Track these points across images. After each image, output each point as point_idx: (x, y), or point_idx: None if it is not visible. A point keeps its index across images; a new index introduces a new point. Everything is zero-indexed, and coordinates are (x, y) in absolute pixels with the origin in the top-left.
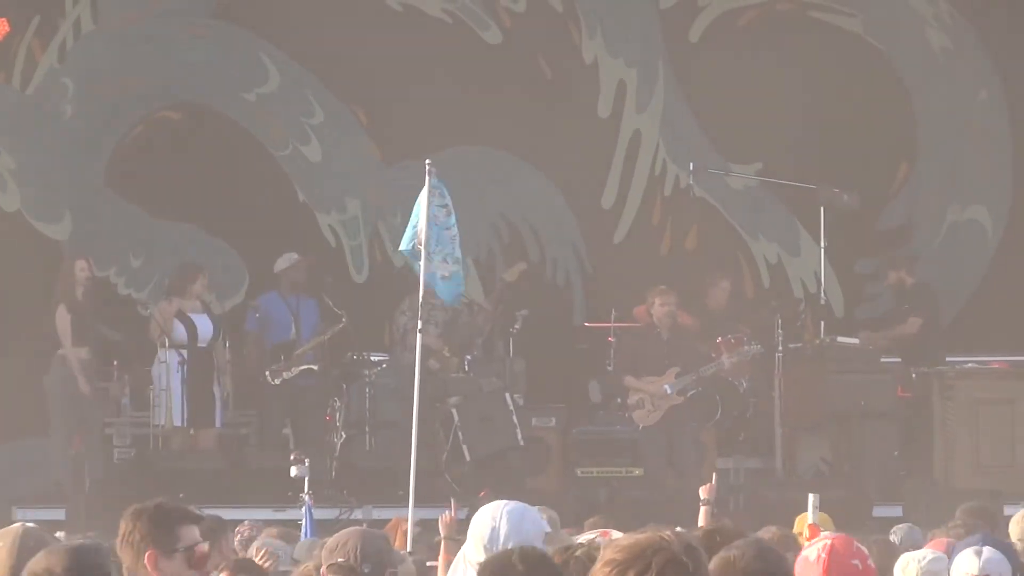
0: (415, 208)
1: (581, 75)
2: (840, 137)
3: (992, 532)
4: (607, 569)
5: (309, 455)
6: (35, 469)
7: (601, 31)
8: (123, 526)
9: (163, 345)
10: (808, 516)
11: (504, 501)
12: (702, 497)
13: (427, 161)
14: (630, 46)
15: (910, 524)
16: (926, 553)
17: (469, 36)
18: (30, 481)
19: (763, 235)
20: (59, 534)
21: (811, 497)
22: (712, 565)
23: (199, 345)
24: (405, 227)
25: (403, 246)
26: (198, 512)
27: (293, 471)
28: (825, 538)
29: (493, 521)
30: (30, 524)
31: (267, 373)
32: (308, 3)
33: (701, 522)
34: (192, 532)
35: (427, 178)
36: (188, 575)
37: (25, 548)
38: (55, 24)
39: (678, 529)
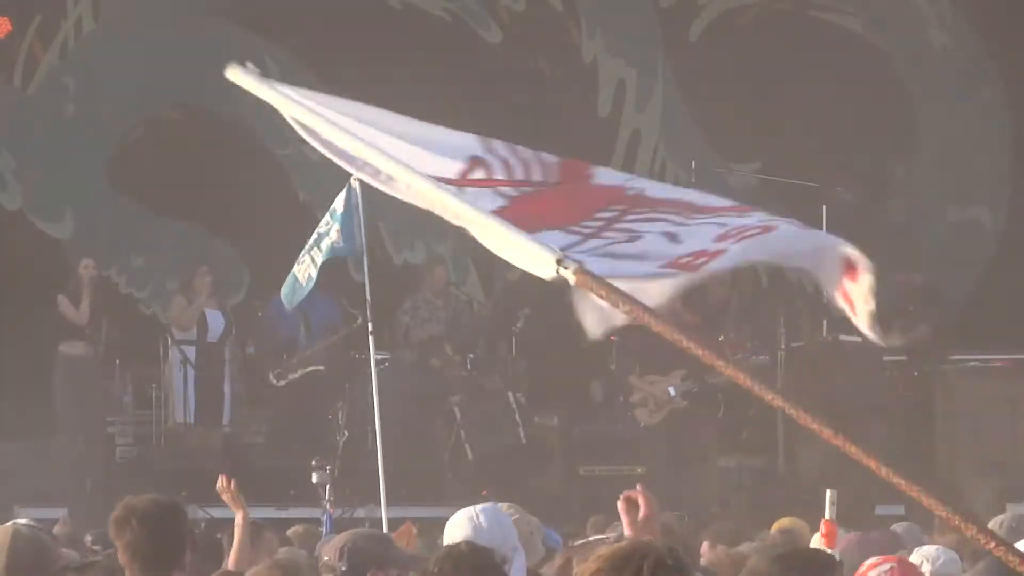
0: (345, 217)
1: (581, 74)
2: (840, 136)
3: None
4: None
5: (313, 454)
6: (37, 468)
7: (601, 30)
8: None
9: (169, 343)
10: (825, 512)
11: (474, 506)
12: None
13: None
14: (630, 45)
15: (910, 523)
16: (940, 553)
17: (469, 35)
18: (32, 480)
19: None
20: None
21: (828, 493)
22: None
23: (209, 341)
24: (405, 226)
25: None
26: None
27: (315, 477)
28: (889, 560)
29: (473, 522)
30: (21, 522)
31: (271, 375)
32: (308, 3)
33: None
34: None
35: (355, 183)
36: None
37: (15, 549)
38: (56, 24)
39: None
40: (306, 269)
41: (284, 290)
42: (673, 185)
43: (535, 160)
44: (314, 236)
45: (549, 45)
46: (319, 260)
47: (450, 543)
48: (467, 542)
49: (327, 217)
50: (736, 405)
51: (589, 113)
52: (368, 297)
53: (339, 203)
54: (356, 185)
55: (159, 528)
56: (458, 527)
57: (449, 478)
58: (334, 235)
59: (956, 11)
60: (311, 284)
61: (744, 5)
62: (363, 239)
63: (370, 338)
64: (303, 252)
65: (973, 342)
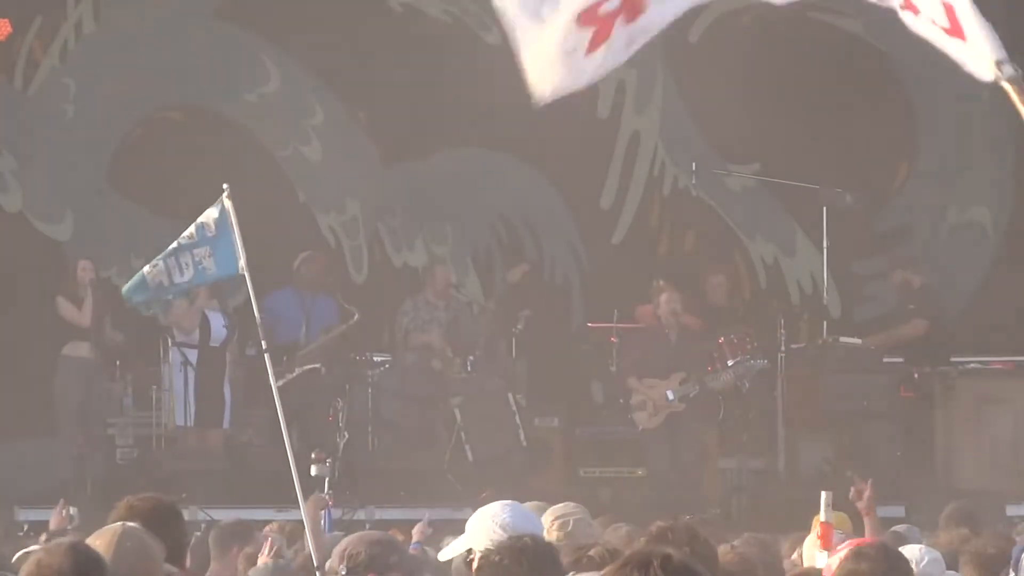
0: (219, 240)
1: None
2: (840, 137)
3: (976, 534)
4: None
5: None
6: (38, 469)
7: None
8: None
9: (169, 344)
10: (820, 514)
11: (501, 502)
12: None
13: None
14: None
15: (908, 525)
16: (923, 554)
17: (469, 37)
18: (33, 481)
19: (760, 236)
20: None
21: (824, 495)
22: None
23: (211, 344)
24: (404, 227)
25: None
26: None
27: (313, 470)
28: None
29: (495, 521)
30: (131, 524)
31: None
32: (308, 3)
33: None
34: None
35: (227, 202)
36: None
37: (122, 548)
38: (57, 25)
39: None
40: (158, 275)
41: (128, 286)
42: None
43: None
44: (175, 245)
45: None
46: (183, 279)
47: (516, 536)
48: (532, 536)
49: (192, 229)
50: (736, 407)
51: (588, 114)
52: (257, 316)
53: (209, 221)
54: (228, 204)
55: (161, 530)
56: (479, 526)
57: (450, 480)
58: (205, 260)
59: None
60: (165, 293)
61: (744, 6)
62: (243, 258)
63: (266, 356)
64: (159, 257)
65: (973, 343)
